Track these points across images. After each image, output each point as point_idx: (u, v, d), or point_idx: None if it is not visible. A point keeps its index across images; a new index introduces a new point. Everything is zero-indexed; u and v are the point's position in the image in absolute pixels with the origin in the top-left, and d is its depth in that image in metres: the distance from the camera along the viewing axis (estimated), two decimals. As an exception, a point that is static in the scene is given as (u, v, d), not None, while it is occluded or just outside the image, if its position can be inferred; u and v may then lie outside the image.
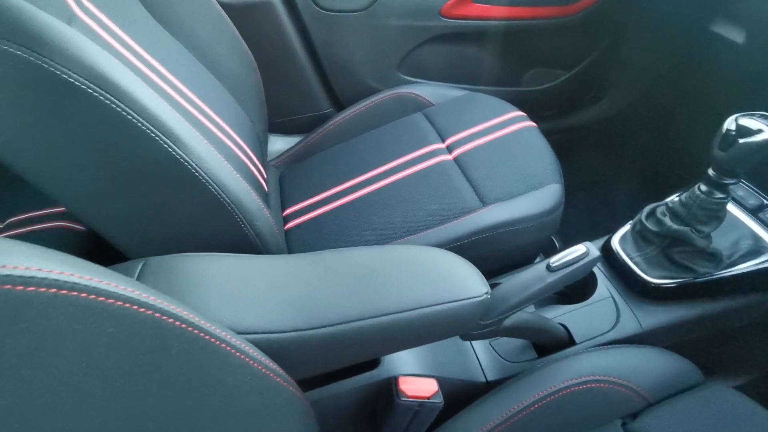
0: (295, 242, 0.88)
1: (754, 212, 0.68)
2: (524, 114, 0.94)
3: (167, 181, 0.47)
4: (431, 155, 0.90)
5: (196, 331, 0.32)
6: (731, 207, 0.69)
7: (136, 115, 0.44)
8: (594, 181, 1.33)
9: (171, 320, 0.29)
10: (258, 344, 0.40)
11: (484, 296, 0.46)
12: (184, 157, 0.46)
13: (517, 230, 0.76)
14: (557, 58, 1.24)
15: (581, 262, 0.52)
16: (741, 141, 0.53)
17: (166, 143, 0.45)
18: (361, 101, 1.05)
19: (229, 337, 0.35)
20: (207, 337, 0.33)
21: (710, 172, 0.59)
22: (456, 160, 0.89)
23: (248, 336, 0.40)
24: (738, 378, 0.74)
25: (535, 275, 0.53)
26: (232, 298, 0.42)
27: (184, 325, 0.31)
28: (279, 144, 1.11)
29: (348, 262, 0.48)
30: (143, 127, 0.44)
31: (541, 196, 0.78)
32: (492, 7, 1.09)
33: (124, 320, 0.25)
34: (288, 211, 0.93)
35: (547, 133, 1.33)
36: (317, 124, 1.08)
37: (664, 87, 1.17)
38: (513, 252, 0.79)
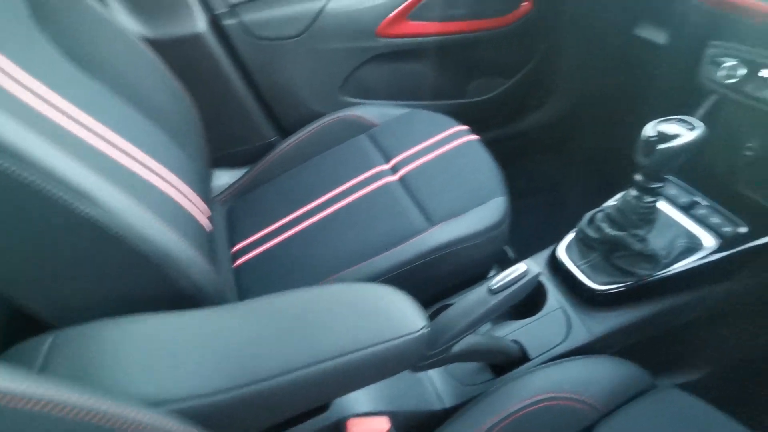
0: (245, 279, 0.86)
1: (686, 209, 0.70)
2: (466, 128, 0.95)
3: (78, 244, 0.45)
4: (377, 177, 0.89)
5: (98, 417, 0.29)
6: (666, 206, 0.71)
7: (35, 179, 0.41)
8: (547, 185, 1.35)
9: (70, 410, 0.27)
10: (185, 412, 0.38)
11: (422, 331, 0.45)
12: (94, 217, 0.44)
13: (465, 248, 0.75)
14: (498, 67, 1.26)
15: (521, 282, 0.52)
16: (660, 147, 0.54)
17: (71, 205, 0.43)
18: (305, 127, 1.04)
19: (141, 415, 0.32)
20: (112, 422, 0.30)
21: (637, 177, 0.60)
22: (402, 180, 0.88)
23: (172, 406, 0.38)
24: (690, 374, 0.76)
25: (477, 299, 0.53)
26: (153, 365, 0.39)
27: (85, 413, 0.28)
28: (225, 178, 1.08)
29: (281, 310, 0.47)
30: (44, 191, 0.41)
31: (486, 211, 0.78)
32: (427, 23, 1.10)
33: (18, 418, 0.23)
34: (237, 247, 0.91)
35: (497, 140, 1.35)
36: (263, 153, 1.06)
37: (602, 90, 1.21)
38: (465, 269, 0.79)
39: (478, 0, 1.11)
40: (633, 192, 0.62)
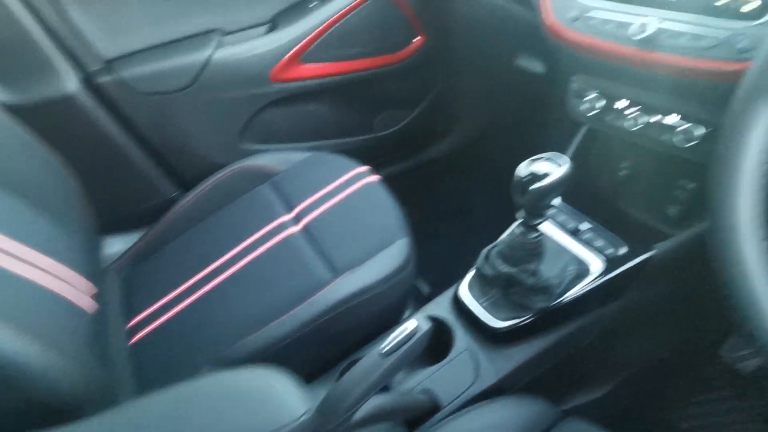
0: (143, 357, 0.79)
1: (574, 234, 0.72)
2: (368, 168, 0.94)
3: None
4: (279, 230, 0.86)
5: None
6: (555, 232, 0.73)
7: None
8: (460, 210, 1.38)
9: None
10: None
11: (303, 418, 0.42)
12: None
13: (371, 297, 0.74)
14: (402, 100, 1.28)
15: (412, 341, 0.50)
16: (532, 188, 0.56)
17: None
18: (204, 182, 0.99)
19: None
20: None
21: (518, 215, 0.61)
22: (305, 229, 0.85)
23: None
24: (594, 392, 0.78)
25: (370, 365, 0.50)
26: None
27: None
28: (119, 244, 1.00)
29: (147, 417, 0.42)
30: None
31: (390, 256, 0.77)
32: (322, 65, 1.10)
33: None
34: (134, 322, 0.83)
35: (407, 171, 1.37)
36: (166, 210, 0.99)
37: (501, 117, 1.26)
38: (375, 318, 0.77)
39: (371, 39, 1.12)
40: (517, 229, 0.63)
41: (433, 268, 1.01)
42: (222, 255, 0.85)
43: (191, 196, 0.97)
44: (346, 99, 1.20)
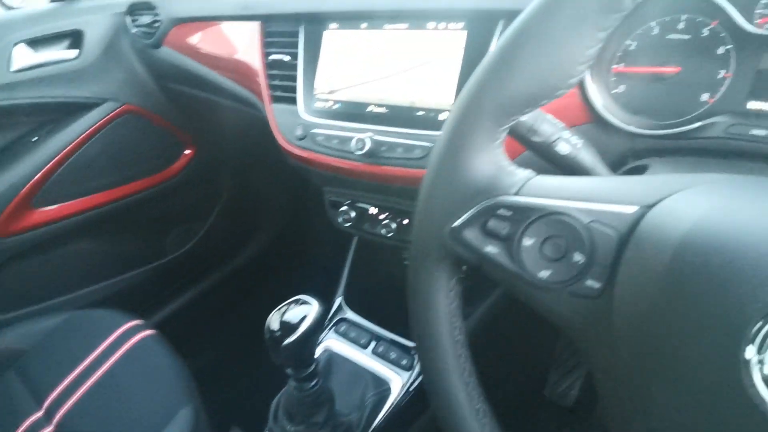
0: None
1: (365, 348, 0.67)
2: (140, 322, 0.79)
3: None
4: (20, 441, 0.65)
5: None
6: (347, 350, 0.68)
7: None
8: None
9: None
10: None
11: None
12: None
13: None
14: (189, 215, 1.16)
15: None
16: (285, 344, 0.48)
17: None
18: None
19: None
20: None
21: (289, 371, 0.53)
22: (59, 428, 0.66)
23: None
24: None
25: None
26: None
27: None
28: None
29: None
30: None
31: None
32: (69, 203, 0.92)
33: None
34: None
35: (213, 287, 1.24)
36: None
37: (296, 221, 1.22)
38: None
39: (129, 162, 0.99)
40: (292, 383, 0.54)
41: (240, 411, 0.88)
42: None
43: None
44: (121, 229, 1.03)
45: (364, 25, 0.59)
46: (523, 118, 0.37)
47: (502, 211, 0.28)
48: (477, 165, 0.29)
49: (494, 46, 0.39)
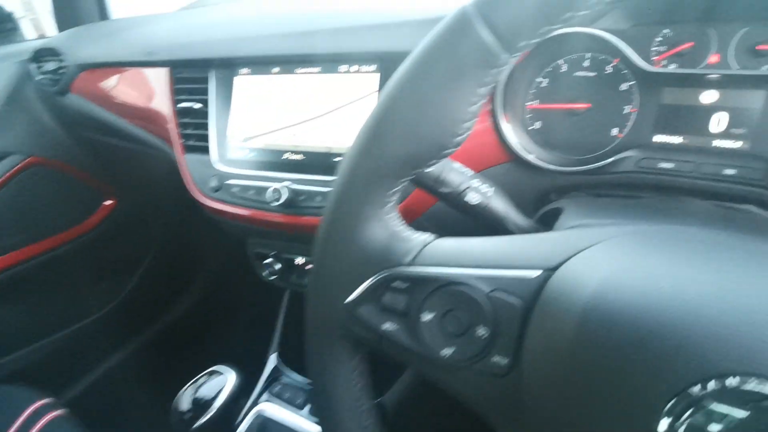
0: None
1: (302, 408, 0.62)
2: (51, 400, 0.70)
3: None
4: None
5: None
6: (282, 412, 0.62)
7: None
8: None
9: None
10: None
11: None
12: None
13: None
14: (114, 269, 1.07)
15: None
16: (195, 427, 0.43)
17: None
18: None
19: None
20: None
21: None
22: None
23: None
24: None
25: None
26: None
27: None
28: None
29: None
30: None
31: None
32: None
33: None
34: None
35: (153, 334, 1.14)
36: None
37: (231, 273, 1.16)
38: None
39: (38, 220, 0.90)
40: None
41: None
42: None
43: None
44: (34, 291, 0.93)
45: (275, 69, 0.57)
46: (429, 169, 0.35)
47: (397, 284, 0.26)
48: (367, 234, 0.26)
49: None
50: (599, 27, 0.46)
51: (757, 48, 0.42)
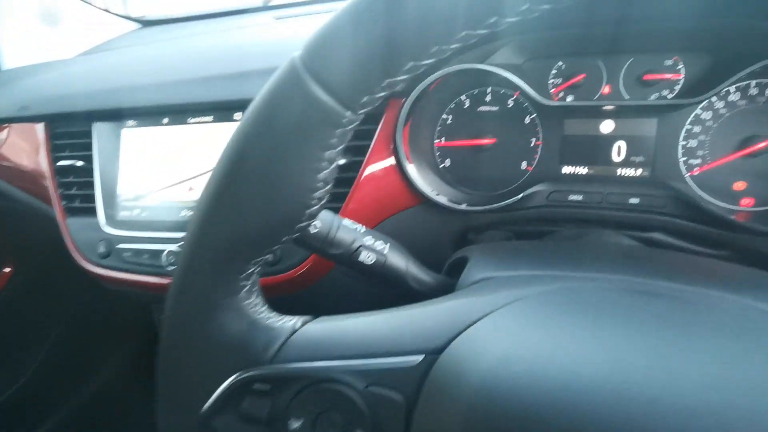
0: None
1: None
2: None
3: None
4: None
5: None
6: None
7: None
8: None
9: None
10: None
11: None
12: None
13: None
14: (15, 346, 0.94)
15: None
16: None
17: None
18: None
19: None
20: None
21: None
22: None
23: None
24: None
25: None
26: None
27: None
28: None
29: None
30: None
31: None
32: None
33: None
34: None
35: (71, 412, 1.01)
36: None
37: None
38: None
39: None
40: None
41: None
42: None
43: None
44: None
45: (165, 120, 0.52)
46: (315, 230, 0.31)
47: (258, 386, 0.21)
48: (219, 327, 0.22)
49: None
50: (494, 63, 0.45)
51: (644, 78, 0.43)
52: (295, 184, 0.20)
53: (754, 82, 0.40)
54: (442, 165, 0.50)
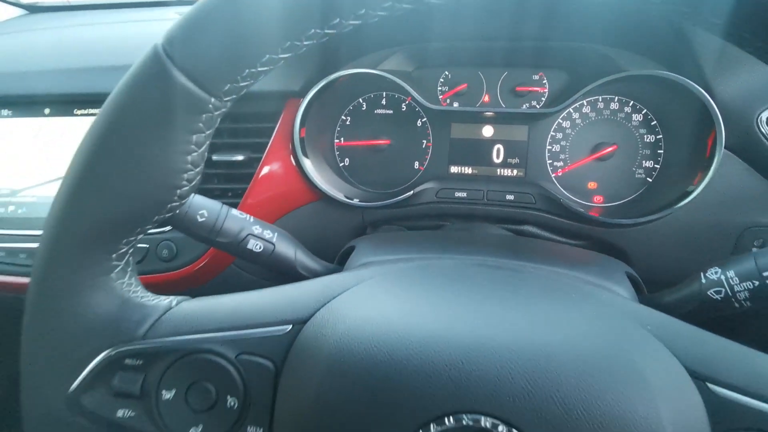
0: None
1: None
2: None
3: None
4: None
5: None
6: None
7: None
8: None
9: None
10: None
11: None
12: None
13: None
14: None
15: None
16: None
17: None
18: None
19: None
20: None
21: None
22: None
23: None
24: None
25: None
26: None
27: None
28: None
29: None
30: None
31: None
32: None
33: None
34: None
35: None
36: None
37: None
38: None
39: None
40: None
41: None
42: None
43: None
44: None
45: (47, 110, 0.49)
46: (203, 219, 0.32)
47: (129, 361, 0.22)
48: (88, 305, 0.22)
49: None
50: (386, 69, 0.48)
51: (517, 89, 0.48)
52: (162, 166, 0.21)
53: (600, 98, 0.47)
54: (342, 164, 0.53)
